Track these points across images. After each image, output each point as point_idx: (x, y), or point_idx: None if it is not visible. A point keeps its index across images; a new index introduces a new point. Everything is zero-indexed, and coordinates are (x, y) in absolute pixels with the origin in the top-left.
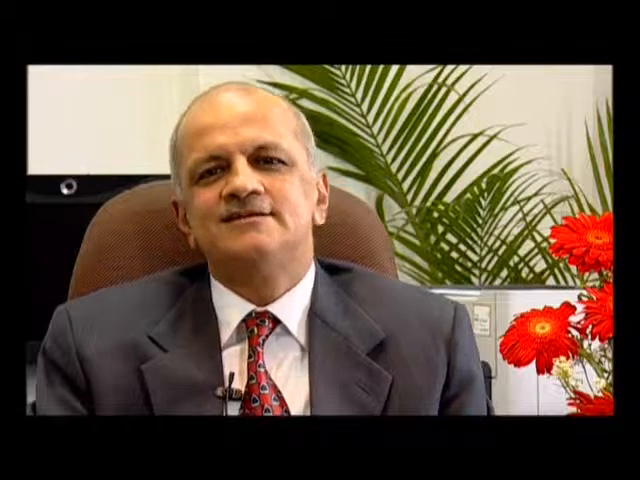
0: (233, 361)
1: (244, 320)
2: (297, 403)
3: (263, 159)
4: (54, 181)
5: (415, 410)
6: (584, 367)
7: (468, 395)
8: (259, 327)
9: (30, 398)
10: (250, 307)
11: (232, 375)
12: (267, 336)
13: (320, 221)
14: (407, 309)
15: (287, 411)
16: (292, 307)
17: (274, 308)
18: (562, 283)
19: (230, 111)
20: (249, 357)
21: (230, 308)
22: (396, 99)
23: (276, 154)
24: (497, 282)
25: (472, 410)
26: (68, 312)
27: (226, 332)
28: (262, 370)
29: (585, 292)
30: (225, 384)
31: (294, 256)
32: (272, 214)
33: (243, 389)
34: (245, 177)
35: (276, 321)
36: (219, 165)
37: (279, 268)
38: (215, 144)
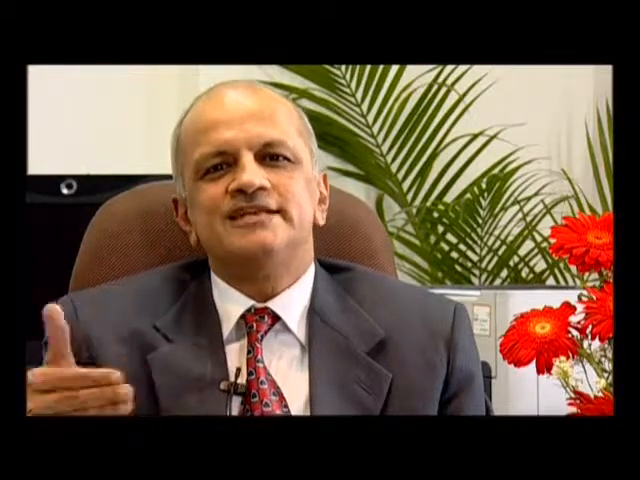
0: (233, 356)
1: (243, 316)
2: (297, 402)
3: (269, 156)
4: (54, 181)
5: (414, 410)
6: (584, 367)
7: (467, 395)
8: (258, 323)
9: None
10: (250, 303)
11: (239, 370)
12: (266, 332)
13: (321, 221)
14: (407, 309)
15: (286, 406)
16: (291, 304)
17: (274, 304)
18: (562, 283)
19: (237, 107)
20: (248, 352)
21: (230, 304)
22: (396, 99)
23: (282, 151)
24: (497, 282)
25: (471, 410)
26: (72, 301)
27: (226, 327)
28: (261, 365)
29: (585, 292)
30: (229, 378)
31: (297, 254)
32: (278, 211)
33: (244, 384)
34: (252, 173)
35: (275, 317)
36: (225, 160)
37: (282, 265)
38: (222, 139)
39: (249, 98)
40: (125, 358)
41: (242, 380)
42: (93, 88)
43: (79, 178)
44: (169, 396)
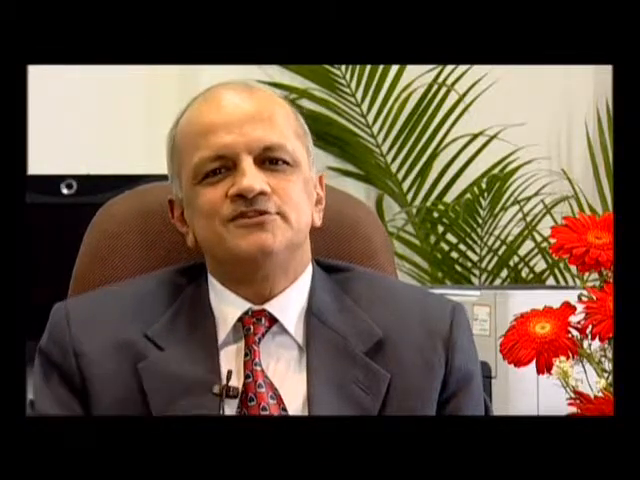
0: (230, 360)
1: (241, 319)
2: (295, 402)
3: (269, 160)
4: (54, 181)
5: (413, 410)
6: (584, 367)
7: (466, 395)
8: (255, 326)
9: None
10: (247, 305)
11: (230, 373)
12: (263, 335)
13: (318, 222)
14: (405, 308)
15: (284, 409)
16: (289, 306)
17: (271, 306)
18: (562, 283)
19: (235, 110)
20: (245, 355)
21: (227, 306)
22: (396, 99)
23: (281, 155)
24: (497, 282)
25: (470, 409)
26: (66, 309)
27: (223, 331)
28: (258, 368)
29: (585, 292)
30: (222, 382)
31: (295, 256)
32: (278, 214)
33: (240, 388)
34: (252, 177)
35: (273, 320)
36: (225, 165)
37: (280, 267)
38: (221, 143)
39: (247, 100)
40: (116, 370)
41: (237, 384)
42: (93, 88)
43: (79, 178)
44: (161, 404)
